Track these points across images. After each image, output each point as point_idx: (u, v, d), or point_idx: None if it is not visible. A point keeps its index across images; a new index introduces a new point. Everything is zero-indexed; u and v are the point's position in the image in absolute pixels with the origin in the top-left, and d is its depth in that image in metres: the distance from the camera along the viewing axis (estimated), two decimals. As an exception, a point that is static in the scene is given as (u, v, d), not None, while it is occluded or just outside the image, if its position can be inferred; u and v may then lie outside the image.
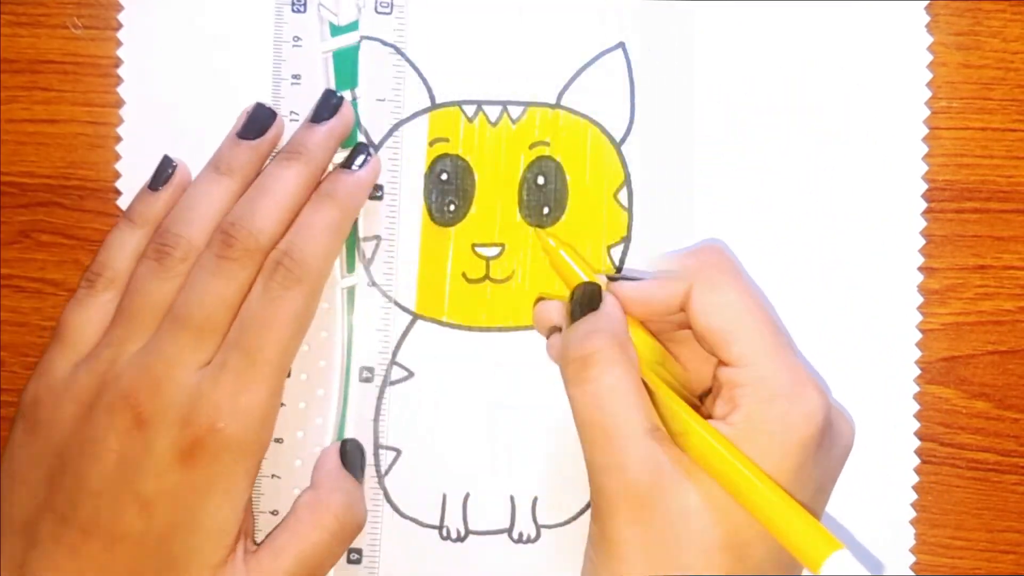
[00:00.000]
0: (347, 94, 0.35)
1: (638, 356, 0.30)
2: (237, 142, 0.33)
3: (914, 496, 0.35)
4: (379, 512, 0.34)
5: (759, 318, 0.30)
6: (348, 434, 0.34)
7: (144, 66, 0.35)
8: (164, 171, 0.33)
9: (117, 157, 0.35)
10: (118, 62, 0.35)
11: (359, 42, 0.35)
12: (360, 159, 0.33)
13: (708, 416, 0.30)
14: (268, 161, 0.34)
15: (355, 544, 0.34)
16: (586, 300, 0.31)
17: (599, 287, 0.32)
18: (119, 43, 0.35)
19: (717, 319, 0.30)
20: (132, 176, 0.35)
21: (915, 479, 0.35)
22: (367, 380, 0.35)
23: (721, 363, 0.30)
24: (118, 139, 0.35)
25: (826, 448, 0.29)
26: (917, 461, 0.35)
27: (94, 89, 0.35)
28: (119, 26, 0.35)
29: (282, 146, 0.34)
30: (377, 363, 0.35)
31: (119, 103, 0.35)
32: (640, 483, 0.28)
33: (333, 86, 0.35)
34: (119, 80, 0.35)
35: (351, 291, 0.35)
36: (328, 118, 0.33)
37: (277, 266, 0.31)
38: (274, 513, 0.34)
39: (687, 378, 0.33)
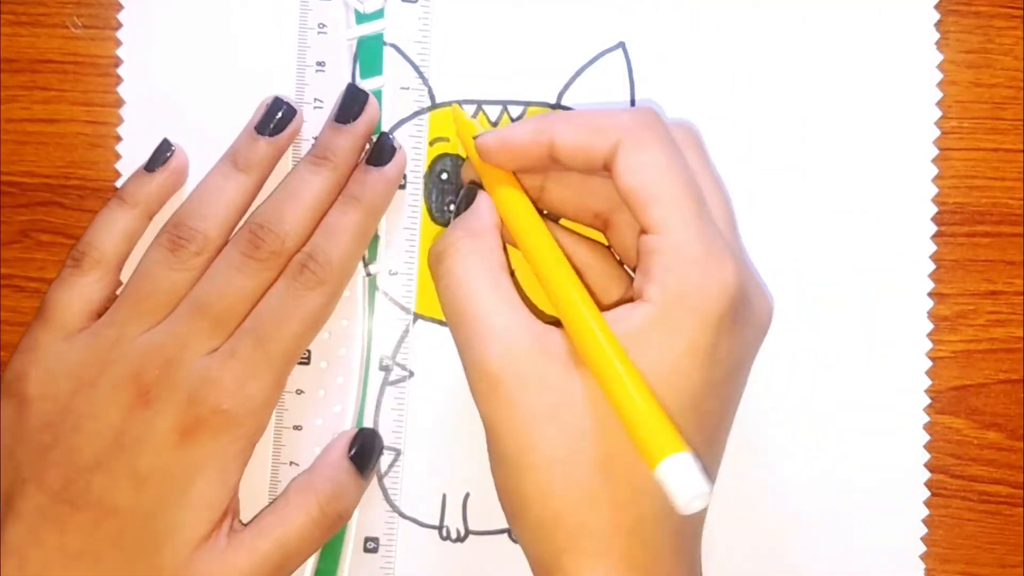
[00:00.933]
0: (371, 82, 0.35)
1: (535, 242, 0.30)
2: (256, 137, 0.33)
3: (924, 530, 0.34)
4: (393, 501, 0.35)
5: (683, 183, 0.28)
6: (367, 422, 0.35)
7: (144, 65, 0.35)
8: (162, 154, 0.34)
9: (117, 157, 0.35)
10: (118, 62, 0.35)
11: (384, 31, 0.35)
12: (386, 154, 0.33)
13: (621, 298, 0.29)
14: (288, 158, 0.34)
15: (372, 533, 0.34)
16: (463, 204, 0.32)
17: (474, 189, 0.32)
18: (119, 43, 0.35)
19: (641, 179, 0.28)
20: (132, 176, 0.35)
21: (925, 512, 0.34)
22: (386, 369, 0.35)
23: (642, 231, 0.29)
24: (118, 139, 0.35)
25: (741, 324, 0.28)
26: (927, 494, 0.34)
27: (94, 89, 0.35)
28: (119, 26, 0.35)
29: (303, 137, 0.34)
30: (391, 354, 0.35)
31: (119, 103, 0.35)
32: (492, 359, 0.28)
33: (358, 74, 0.35)
34: (119, 80, 0.35)
35: (373, 280, 0.35)
36: (355, 117, 0.33)
37: (302, 268, 0.31)
38: None
39: (623, 255, 0.32)
